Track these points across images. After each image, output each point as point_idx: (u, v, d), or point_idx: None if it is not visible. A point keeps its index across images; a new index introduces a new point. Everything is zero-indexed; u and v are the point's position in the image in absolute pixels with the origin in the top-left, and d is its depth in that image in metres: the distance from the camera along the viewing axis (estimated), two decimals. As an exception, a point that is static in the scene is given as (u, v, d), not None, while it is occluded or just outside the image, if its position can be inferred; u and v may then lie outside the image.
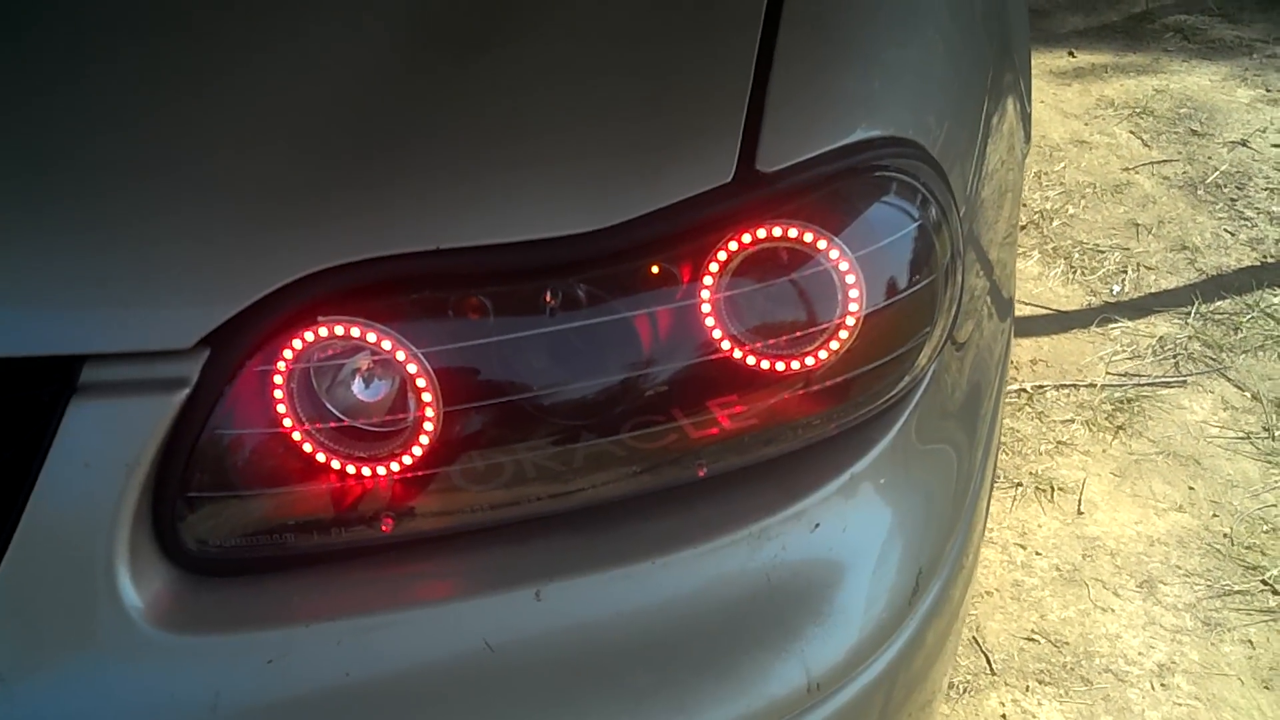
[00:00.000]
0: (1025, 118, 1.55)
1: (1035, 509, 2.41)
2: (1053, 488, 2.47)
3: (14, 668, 0.87)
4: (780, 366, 0.98)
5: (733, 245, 0.96)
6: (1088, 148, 3.91)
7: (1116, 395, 2.75)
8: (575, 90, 0.98)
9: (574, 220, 0.92)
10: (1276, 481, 2.48)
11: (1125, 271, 3.26)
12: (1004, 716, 1.99)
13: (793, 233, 0.96)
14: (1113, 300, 3.14)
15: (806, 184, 0.97)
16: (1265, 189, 3.62)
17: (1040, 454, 2.56)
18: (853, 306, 0.98)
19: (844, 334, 0.99)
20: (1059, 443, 2.60)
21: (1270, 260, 3.29)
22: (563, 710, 0.91)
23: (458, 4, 1.04)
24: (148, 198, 0.90)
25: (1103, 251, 3.35)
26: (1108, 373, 2.85)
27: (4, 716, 0.87)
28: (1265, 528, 2.36)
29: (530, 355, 0.94)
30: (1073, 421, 2.67)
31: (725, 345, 0.97)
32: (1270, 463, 2.54)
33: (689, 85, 0.99)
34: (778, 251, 0.97)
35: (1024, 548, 2.32)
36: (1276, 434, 2.62)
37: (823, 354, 0.99)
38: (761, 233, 0.96)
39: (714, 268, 0.96)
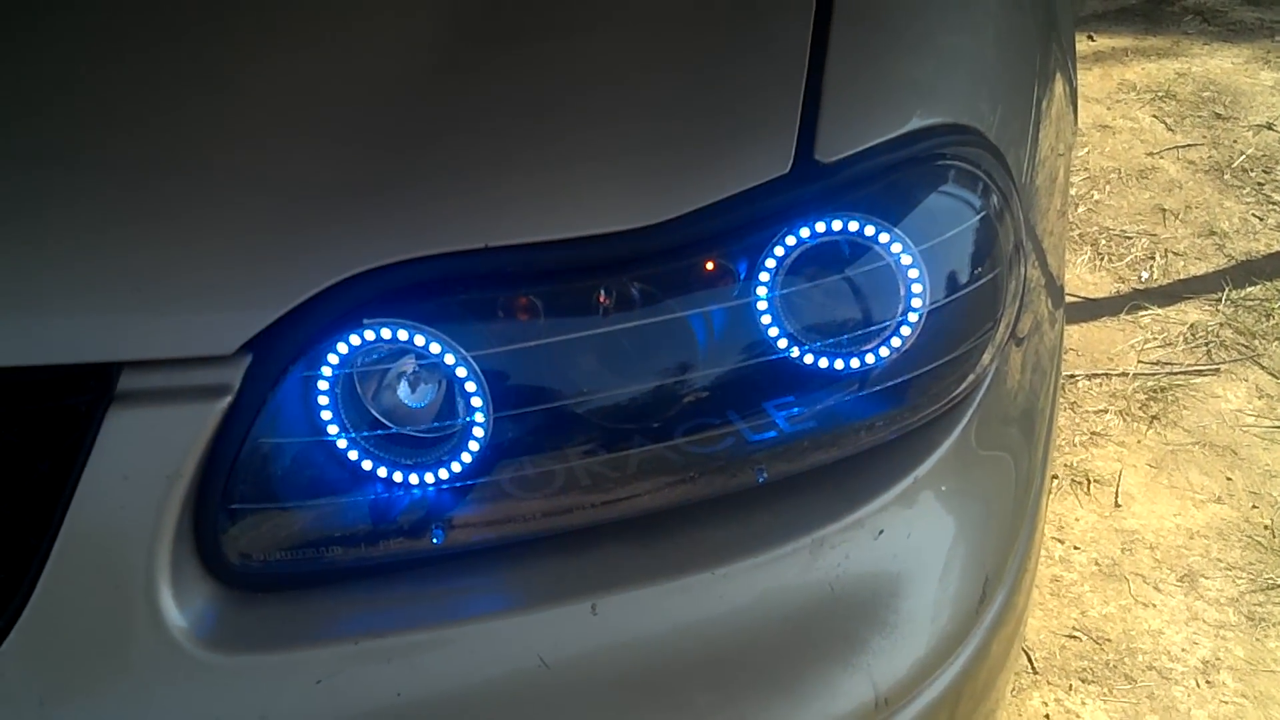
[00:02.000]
0: (1073, 98, 1.50)
1: (1072, 502, 2.37)
2: (1089, 480, 2.42)
3: (52, 691, 0.84)
4: (840, 366, 0.94)
5: (790, 240, 0.92)
6: (1111, 132, 3.86)
7: (1149, 384, 2.71)
8: (627, 83, 0.94)
9: (627, 216, 0.88)
10: (1315, 471, 2.43)
11: (1153, 258, 3.21)
12: (1048, 717, 1.95)
13: (853, 225, 0.93)
14: (1141, 287, 3.10)
15: (866, 175, 0.93)
16: (1293, 172, 3.56)
17: (1075, 445, 2.52)
18: (915, 302, 0.94)
19: (906, 331, 0.95)
20: (1093, 433, 2.56)
21: (1301, 245, 3.24)
22: (620, 728, 0.87)
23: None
24: (186, 199, 0.86)
25: (1130, 238, 3.30)
26: (1139, 361, 2.80)
27: (44, 741, 0.84)
28: (1307, 519, 2.31)
29: (582, 357, 0.90)
30: (1106, 412, 2.63)
31: (783, 344, 0.93)
32: (1308, 451, 2.49)
33: (743, 75, 0.95)
34: (837, 245, 0.93)
35: (1062, 542, 2.28)
36: (1313, 422, 2.57)
37: (884, 353, 0.95)
38: (820, 226, 0.92)
39: (771, 263, 0.92)
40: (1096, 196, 3.48)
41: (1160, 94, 4.08)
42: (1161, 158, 3.69)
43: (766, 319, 0.92)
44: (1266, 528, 2.29)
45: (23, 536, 0.83)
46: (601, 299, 0.90)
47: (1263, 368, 2.77)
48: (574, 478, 0.91)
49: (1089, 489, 2.40)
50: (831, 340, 0.94)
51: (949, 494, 0.98)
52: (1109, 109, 4.00)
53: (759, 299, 0.92)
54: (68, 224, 0.85)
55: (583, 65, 0.95)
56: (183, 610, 0.85)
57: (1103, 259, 3.23)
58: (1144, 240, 3.29)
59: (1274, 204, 3.42)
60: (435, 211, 0.87)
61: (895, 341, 0.95)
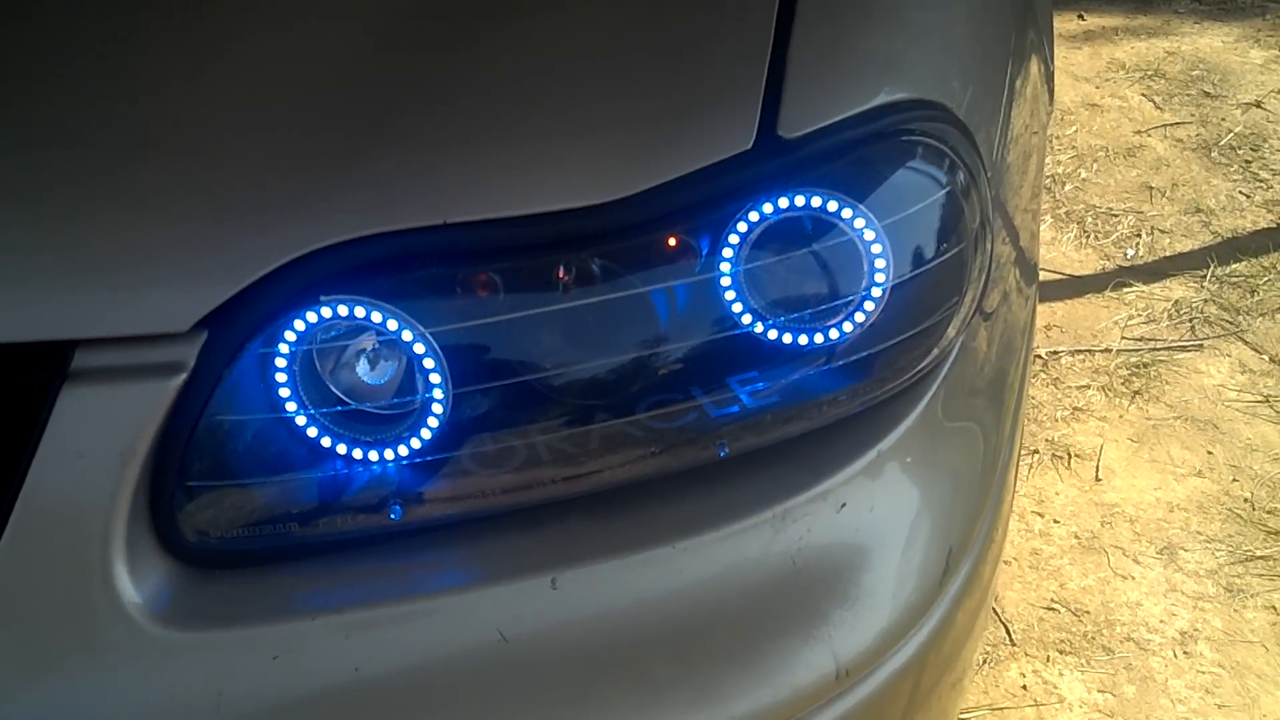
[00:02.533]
0: (1048, 78, 1.50)
1: (1052, 476, 2.37)
2: (1070, 454, 2.43)
3: (9, 668, 0.83)
4: (803, 341, 0.94)
5: (754, 215, 0.92)
6: (1099, 111, 3.85)
7: (1132, 360, 2.71)
8: (588, 58, 0.93)
9: (588, 192, 0.88)
10: (1297, 446, 2.44)
11: (1139, 235, 3.21)
12: (1025, 688, 1.96)
13: (816, 201, 0.92)
14: (1127, 264, 3.09)
15: (830, 150, 0.93)
16: (1280, 149, 3.56)
17: (1056, 420, 2.52)
18: (879, 277, 0.94)
19: (870, 306, 0.95)
20: (1075, 409, 2.56)
21: (1286, 222, 3.24)
22: (580, 704, 0.87)
23: None
24: (140, 175, 0.85)
25: (1116, 215, 3.30)
26: (1123, 338, 2.80)
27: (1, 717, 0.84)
28: (1287, 493, 2.32)
29: (543, 333, 0.90)
30: (1088, 387, 2.63)
31: (746, 319, 0.92)
32: (1290, 427, 2.50)
33: (706, 50, 0.95)
34: (801, 221, 0.93)
35: (1042, 515, 2.28)
36: (1296, 398, 2.57)
37: (848, 327, 0.95)
38: (784, 202, 0.92)
39: (734, 239, 0.91)
40: (1084, 175, 3.48)
41: (1149, 72, 4.07)
42: (1149, 136, 3.68)
43: (730, 295, 0.92)
44: (1246, 500, 2.30)
45: None
46: (562, 275, 0.89)
47: (1246, 343, 2.77)
48: (535, 454, 0.91)
49: (1070, 463, 2.41)
50: (795, 315, 0.94)
51: (913, 467, 0.98)
52: (1098, 88, 3.99)
53: (722, 274, 0.92)
54: (20, 202, 0.84)
55: (543, 40, 0.94)
56: (139, 587, 0.84)
57: (1089, 236, 3.22)
58: (1130, 218, 3.29)
59: (1261, 181, 3.42)
60: (393, 187, 0.87)
61: (859, 316, 0.95)
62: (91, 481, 0.83)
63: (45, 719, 0.84)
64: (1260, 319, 2.86)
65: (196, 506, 0.87)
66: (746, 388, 0.95)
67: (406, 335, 0.87)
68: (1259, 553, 2.19)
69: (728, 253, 0.91)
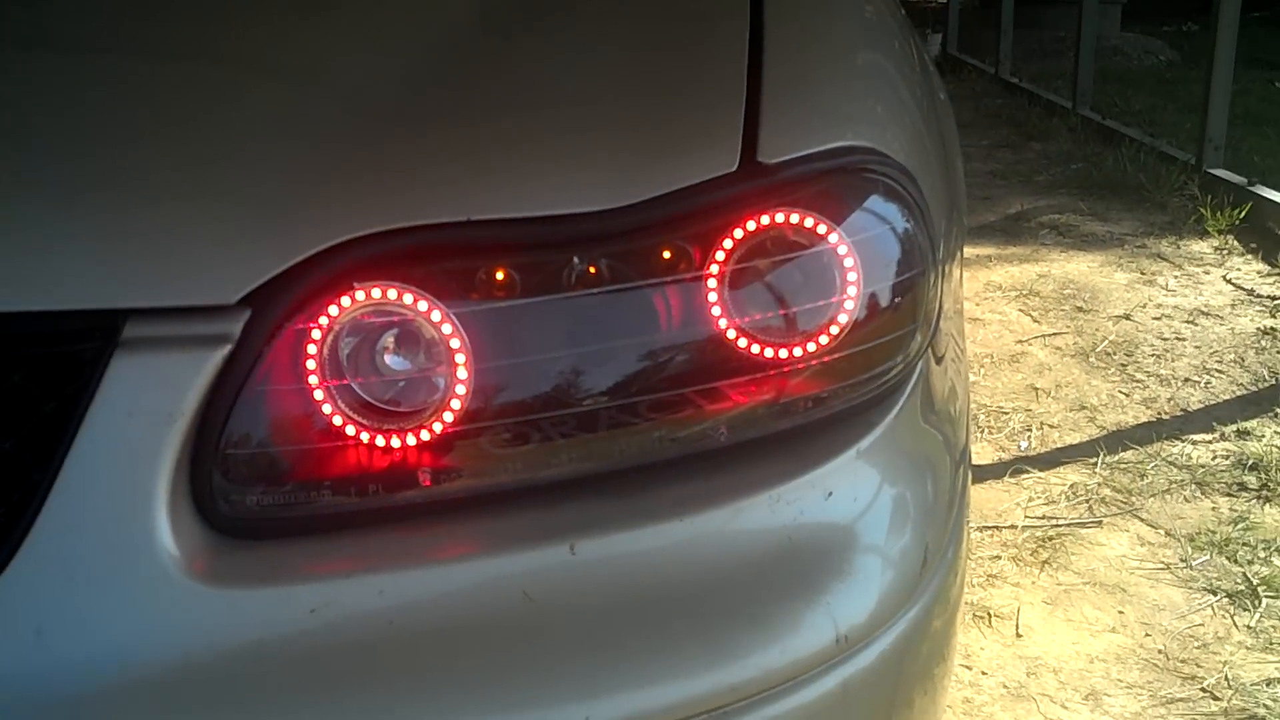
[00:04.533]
0: (962, 199, 1.65)
1: (976, 634, 2.44)
2: (989, 614, 2.50)
3: (51, 618, 0.85)
4: (785, 344, 1.03)
5: (738, 233, 1.02)
6: (982, 324, 4.09)
7: (1038, 535, 2.83)
8: (598, 80, 1.05)
9: (595, 198, 0.98)
10: (1200, 604, 2.55)
11: (1030, 429, 3.38)
12: (969, 820, 1.98)
13: (794, 218, 1.03)
14: (1022, 454, 3.25)
15: (805, 176, 1.04)
16: (1152, 355, 3.81)
17: (972, 586, 2.60)
18: (851, 290, 1.04)
19: (844, 317, 1.04)
20: (990, 575, 2.65)
21: (1165, 416, 3.44)
22: (604, 653, 0.92)
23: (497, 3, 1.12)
24: (197, 155, 0.93)
25: (1006, 413, 3.48)
26: (1026, 516, 2.93)
27: (41, 668, 0.85)
28: (1196, 644, 2.41)
29: (553, 323, 0.98)
30: (999, 558, 2.73)
31: (733, 320, 1.02)
32: (1191, 589, 2.61)
33: (695, 85, 1.07)
34: (782, 237, 1.03)
35: (970, 668, 2.34)
36: (1193, 564, 2.70)
37: (823, 338, 1.04)
38: (765, 218, 1.02)
39: (727, 244, 1.01)
40: (972, 378, 3.67)
41: (1024, 291, 4.36)
42: (1030, 345, 3.92)
43: (717, 298, 1.01)
44: (1160, 651, 2.39)
45: (25, 471, 0.87)
46: (570, 272, 0.98)
47: (1142, 520, 2.91)
48: (548, 431, 0.97)
49: (990, 622, 2.48)
50: (777, 321, 1.03)
51: (888, 467, 1.06)
52: (978, 305, 4.25)
53: (711, 280, 1.01)
54: (81, 178, 0.91)
55: (560, 65, 1.06)
56: (179, 542, 0.88)
57: (983, 431, 3.39)
58: (1020, 415, 3.47)
59: (1137, 381, 3.64)
60: (423, 185, 0.96)
61: (834, 326, 1.04)
62: (138, 440, 0.87)
63: (84, 669, 0.85)
64: (1152, 499, 3.01)
65: (234, 474, 0.92)
66: (734, 383, 1.03)
67: (433, 319, 0.94)
68: (1179, 695, 2.26)
69: (718, 258, 1.01)
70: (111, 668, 0.86)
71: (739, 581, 0.96)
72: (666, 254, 1.01)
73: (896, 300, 1.08)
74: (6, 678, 0.85)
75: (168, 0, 1.07)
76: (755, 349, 1.03)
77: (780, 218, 1.03)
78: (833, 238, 1.03)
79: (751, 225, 1.02)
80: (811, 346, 1.04)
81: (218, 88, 0.99)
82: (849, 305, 1.04)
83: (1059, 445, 3.30)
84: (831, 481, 1.02)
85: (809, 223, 1.03)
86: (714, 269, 1.01)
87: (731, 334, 1.02)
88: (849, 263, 1.04)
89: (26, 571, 0.86)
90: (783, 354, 1.03)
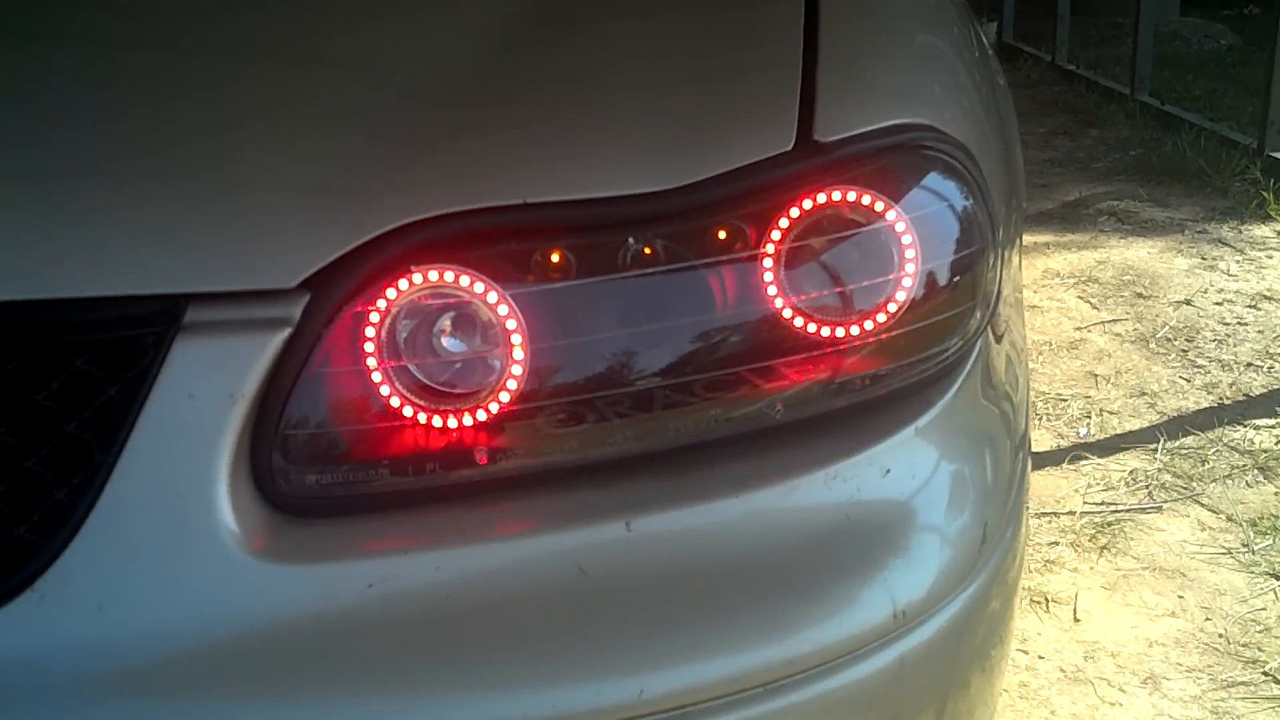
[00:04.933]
0: (1021, 185, 1.64)
1: (1033, 619, 2.42)
2: (1047, 600, 2.49)
3: (111, 595, 0.87)
4: (842, 322, 1.03)
5: (795, 211, 1.01)
6: (1039, 311, 4.05)
7: (1096, 520, 2.80)
8: (652, 62, 1.05)
9: (651, 179, 0.98)
10: (1262, 588, 2.51)
11: (1089, 416, 3.35)
12: (1027, 806, 1.97)
13: (851, 196, 1.02)
14: (1080, 441, 3.22)
15: (862, 154, 1.04)
16: (1213, 340, 3.76)
17: (1030, 571, 2.58)
18: (909, 268, 1.03)
19: (901, 294, 1.04)
20: (1047, 561, 2.63)
21: (1227, 401, 3.39)
22: (657, 626, 0.92)
23: None
24: (256, 144, 0.94)
25: (1065, 400, 3.44)
26: (1085, 502, 2.90)
27: (102, 642, 0.87)
28: (1259, 628, 2.38)
29: (608, 304, 0.98)
30: (1058, 544, 2.71)
31: (789, 299, 1.01)
32: (1253, 573, 2.58)
33: (750, 65, 1.07)
34: (839, 215, 1.03)
35: (1026, 653, 2.32)
36: (1256, 548, 2.66)
37: (881, 316, 1.04)
38: (822, 196, 1.02)
39: (783, 223, 1.01)
40: (1030, 366, 3.64)
41: (1083, 279, 4.31)
42: (1089, 331, 3.88)
43: (773, 277, 1.01)
44: (1221, 635, 2.36)
45: (88, 453, 0.88)
46: (625, 253, 0.98)
47: (1202, 505, 2.88)
48: (603, 411, 0.97)
49: (1048, 607, 2.46)
50: (834, 298, 1.03)
51: (947, 445, 1.05)
52: (1036, 292, 4.21)
53: (767, 260, 1.01)
54: (144, 163, 0.92)
55: (616, 48, 1.06)
56: (240, 521, 0.89)
57: (1041, 419, 3.36)
58: (1080, 401, 3.43)
59: (1199, 367, 3.59)
60: (479, 169, 0.96)
61: (892, 304, 1.04)
62: (201, 420, 0.88)
63: (145, 644, 0.87)
64: (1213, 484, 2.97)
65: (295, 452, 0.93)
66: (790, 362, 1.03)
67: (490, 300, 0.94)
68: (1240, 679, 2.23)
69: (774, 238, 1.01)
70: (172, 641, 0.87)
71: (796, 557, 0.96)
72: (722, 234, 1.00)
73: (955, 278, 1.07)
74: (70, 651, 0.86)
75: (231, 11, 1.08)
76: (812, 327, 1.02)
77: (837, 196, 1.02)
78: (890, 215, 1.03)
79: (808, 204, 1.02)
80: (869, 324, 1.03)
81: (277, 79, 1.00)
82: (906, 283, 1.04)
83: (1119, 431, 3.27)
84: (889, 459, 1.02)
85: (866, 200, 1.03)
86: (770, 248, 1.01)
87: (788, 313, 1.01)
88: (907, 240, 1.03)
89: (89, 549, 0.87)
90: (839, 332, 1.03)
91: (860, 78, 1.10)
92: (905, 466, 1.02)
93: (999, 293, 1.16)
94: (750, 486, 0.97)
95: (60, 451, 0.88)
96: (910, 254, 1.04)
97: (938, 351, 1.07)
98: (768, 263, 1.01)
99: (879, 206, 1.03)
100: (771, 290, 1.01)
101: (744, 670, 0.92)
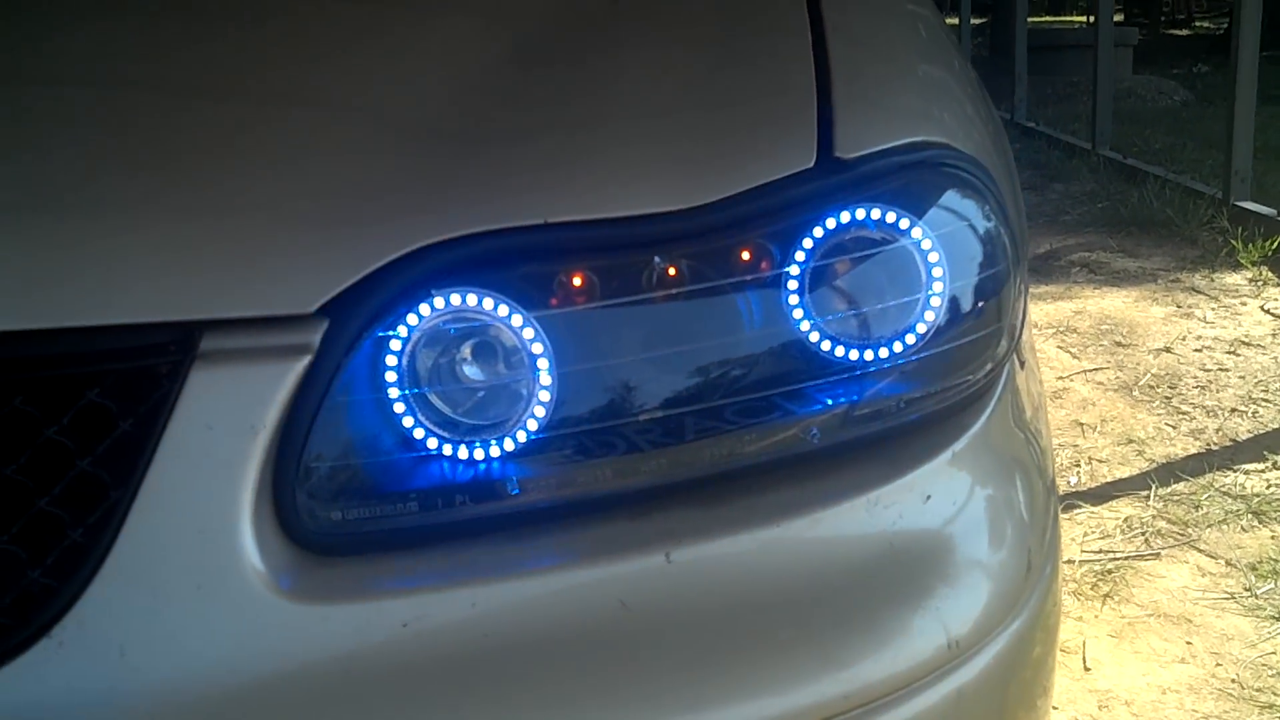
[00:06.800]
0: (1024, 220, 1.62)
1: (1041, 668, 2.38)
2: (1054, 649, 2.44)
3: (134, 638, 0.82)
4: (872, 343, 1.00)
5: (819, 230, 0.99)
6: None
7: (1095, 569, 2.77)
8: (671, 81, 1.03)
9: (673, 198, 0.95)
10: (1270, 632, 2.48)
11: (1079, 464, 3.33)
12: None
13: (876, 213, 1.00)
14: (1071, 490, 3.20)
15: (885, 170, 1.01)
16: (1196, 386, 3.76)
17: (1034, 621, 2.54)
18: (937, 286, 1.01)
19: (930, 314, 1.01)
20: (1050, 610, 2.59)
21: (1215, 447, 3.39)
22: (706, 661, 0.88)
23: (574, 10, 1.10)
24: (272, 168, 0.91)
25: (1053, 449, 3.42)
26: (1082, 550, 2.87)
27: (125, 690, 0.81)
28: (1270, 672, 2.35)
29: (635, 326, 0.95)
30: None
31: (818, 319, 0.98)
32: (1259, 617, 2.55)
33: (767, 83, 1.05)
34: (864, 232, 1.00)
35: (1038, 703, 2.28)
36: (1258, 592, 2.64)
37: (910, 337, 1.01)
38: (846, 215, 0.99)
39: (804, 247, 0.98)
40: (1016, 416, 3.62)
41: (1061, 329, 4.32)
42: (1072, 380, 3.87)
43: (800, 298, 0.98)
44: (1234, 680, 2.32)
45: (104, 490, 0.84)
46: (650, 273, 0.95)
47: (1200, 550, 2.85)
48: (632, 437, 0.94)
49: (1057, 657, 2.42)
50: (861, 318, 1.00)
51: (986, 470, 1.02)
52: (1015, 344, 4.20)
53: (791, 278, 0.98)
54: (157, 188, 0.89)
55: (634, 71, 1.03)
56: (265, 558, 0.85)
57: (1031, 469, 3.33)
58: (1068, 450, 3.42)
59: (1183, 413, 3.59)
60: (499, 190, 0.93)
61: (921, 324, 1.01)
62: (220, 453, 0.84)
63: (170, 691, 0.82)
64: (1209, 529, 2.95)
65: (318, 486, 0.88)
66: (821, 386, 0.99)
67: (515, 323, 0.91)
68: (1256, 722, 2.20)
69: (799, 257, 0.98)
70: (198, 687, 0.82)
71: (843, 587, 0.92)
72: (746, 254, 0.98)
73: (982, 298, 1.04)
74: (91, 700, 0.81)
75: (245, 31, 1.05)
76: (840, 349, 0.99)
77: (861, 214, 1.00)
78: (916, 232, 1.00)
79: (832, 222, 0.99)
80: (898, 345, 1.00)
81: (292, 100, 0.97)
82: (934, 302, 1.01)
83: (1109, 479, 3.25)
84: (929, 484, 0.98)
85: (891, 217, 1.00)
86: (795, 268, 0.98)
87: (816, 335, 0.98)
88: (934, 258, 1.01)
89: (108, 591, 0.82)
90: (869, 353, 1.00)
91: (874, 98, 1.08)
92: (945, 492, 0.98)
93: (1024, 317, 1.13)
94: (791, 514, 0.93)
95: (74, 489, 0.83)
96: (938, 272, 1.01)
97: (969, 373, 1.04)
98: (794, 283, 0.98)
99: (904, 224, 1.00)
100: (800, 311, 0.98)
101: (799, 707, 0.88)
